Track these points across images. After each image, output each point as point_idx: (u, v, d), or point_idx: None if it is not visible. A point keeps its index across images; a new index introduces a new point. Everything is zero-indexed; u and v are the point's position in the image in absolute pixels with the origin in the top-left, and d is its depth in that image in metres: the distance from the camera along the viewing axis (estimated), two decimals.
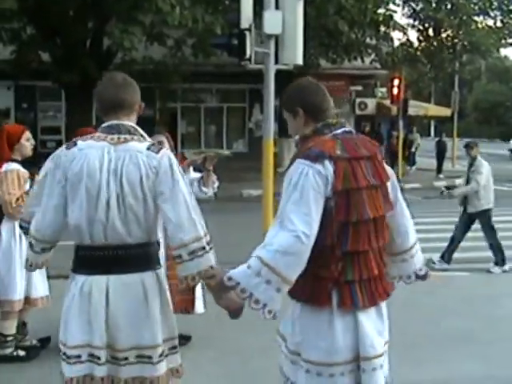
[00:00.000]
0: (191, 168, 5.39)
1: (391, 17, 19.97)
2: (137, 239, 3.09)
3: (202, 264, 3.05)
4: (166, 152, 3.15)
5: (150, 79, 19.89)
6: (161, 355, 3.13)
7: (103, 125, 3.20)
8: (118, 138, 3.11)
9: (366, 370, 2.84)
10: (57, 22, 16.41)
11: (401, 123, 23.73)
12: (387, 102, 26.60)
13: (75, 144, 3.13)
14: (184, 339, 5.73)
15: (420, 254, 3.25)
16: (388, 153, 28.24)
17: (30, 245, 3.25)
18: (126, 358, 3.08)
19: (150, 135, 5.44)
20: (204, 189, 5.37)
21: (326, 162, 2.79)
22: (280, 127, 23.61)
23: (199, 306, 5.55)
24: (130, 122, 3.21)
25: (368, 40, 21.12)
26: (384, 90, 30.98)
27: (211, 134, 26.09)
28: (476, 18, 26.16)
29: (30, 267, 3.35)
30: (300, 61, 8.65)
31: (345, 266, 2.82)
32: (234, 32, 8.67)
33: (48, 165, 3.27)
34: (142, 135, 3.20)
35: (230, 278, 2.74)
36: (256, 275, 2.69)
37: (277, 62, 8.52)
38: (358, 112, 28.22)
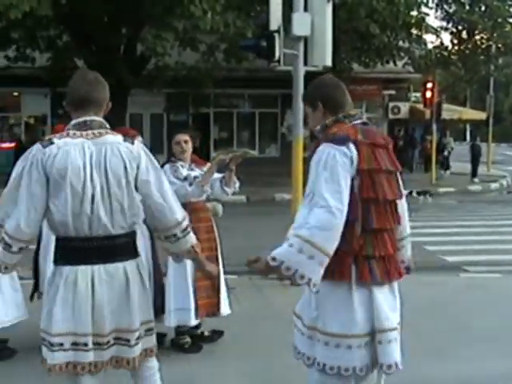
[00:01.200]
0: (215, 168, 5.42)
1: (423, 19, 19.87)
2: (119, 229, 3.25)
3: (192, 238, 3.44)
4: (139, 143, 3.37)
5: (183, 84, 20.13)
6: (137, 338, 3.31)
7: (72, 122, 3.30)
8: (93, 133, 3.24)
9: (383, 341, 3.03)
10: (91, 29, 16.68)
11: (434, 127, 23.54)
12: (421, 106, 26.41)
13: (51, 142, 3.20)
14: (217, 334, 5.82)
15: (409, 248, 3.53)
16: (422, 157, 28.07)
17: (7, 246, 3.21)
18: (108, 342, 3.26)
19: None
20: (226, 188, 5.43)
21: (351, 145, 3.03)
22: (312, 132, 23.63)
23: (225, 308, 5.60)
24: (99, 118, 3.34)
25: (400, 43, 21.03)
26: (418, 94, 30.76)
27: (244, 139, 26.18)
28: (511, 19, 25.84)
29: (6, 269, 3.34)
30: (329, 62, 8.66)
31: (365, 242, 3.03)
32: (263, 34, 8.72)
33: (22, 164, 3.23)
34: (110, 129, 3.35)
35: (273, 259, 2.91)
36: (299, 252, 2.87)
37: (306, 63, 8.53)
38: (391, 116, 28.06)
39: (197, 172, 5.43)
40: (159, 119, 24.66)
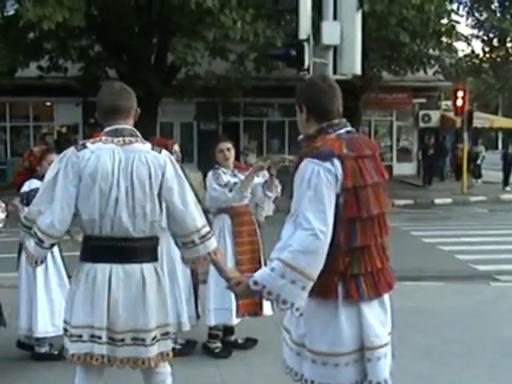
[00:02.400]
0: (254, 174, 5.54)
1: (454, 27, 19.75)
2: (139, 233, 3.42)
3: (212, 244, 3.54)
4: (166, 152, 3.53)
5: (213, 93, 20.25)
6: (153, 339, 3.43)
7: (106, 129, 3.50)
8: (124, 141, 3.43)
9: (371, 359, 2.92)
10: (123, 39, 16.88)
11: (465, 136, 23.34)
12: (451, 115, 26.22)
13: (85, 146, 3.42)
14: (250, 342, 5.87)
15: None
16: (453, 166, 27.82)
17: (40, 241, 3.42)
18: (123, 340, 3.39)
19: (214, 146, 5.68)
20: (268, 193, 5.59)
21: (335, 161, 2.85)
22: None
23: (267, 308, 5.64)
24: (129, 125, 3.52)
25: (431, 51, 20.92)
26: (449, 102, 30.54)
27: (273, 147, 26.24)
28: None
29: (36, 264, 3.56)
30: (358, 71, 8.70)
31: (351, 260, 2.91)
32: (293, 43, 8.78)
33: (57, 165, 3.44)
34: (139, 137, 3.52)
35: (255, 283, 2.84)
36: (281, 277, 2.78)
37: (335, 72, 8.57)
38: (421, 125, 27.88)
39: (239, 178, 5.60)
40: (189, 128, 24.83)
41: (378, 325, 2.98)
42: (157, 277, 3.51)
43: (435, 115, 28.10)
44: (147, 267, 3.47)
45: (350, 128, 3.06)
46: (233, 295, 5.28)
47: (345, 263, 2.89)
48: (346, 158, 2.87)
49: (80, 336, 3.39)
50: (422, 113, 27.82)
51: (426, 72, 21.65)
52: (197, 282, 5.65)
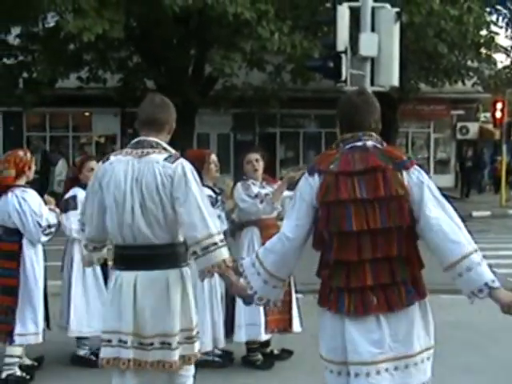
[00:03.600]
0: (285, 186, 5.49)
1: (493, 39, 19.54)
2: (162, 240, 3.53)
3: (216, 257, 3.49)
4: (182, 161, 3.55)
5: (250, 104, 20.31)
6: (179, 343, 3.55)
7: (132, 141, 3.65)
8: (142, 152, 3.55)
9: (351, 373, 2.98)
10: (161, 51, 17.04)
11: (504, 148, 23.04)
12: (490, 127, 25.93)
13: (108, 159, 3.63)
14: (286, 353, 5.85)
15: (476, 273, 3.00)
16: (491, 178, 27.47)
17: (85, 245, 3.91)
18: (152, 344, 3.52)
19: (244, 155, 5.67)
20: None
21: (316, 176, 3.05)
22: None
23: (296, 325, 5.65)
24: (158, 138, 3.61)
25: (469, 63, 20.73)
26: (487, 114, 30.20)
27: (310, 159, 26.17)
28: None
29: (87, 264, 4.09)
30: (396, 82, 8.67)
31: (332, 272, 3.03)
32: (330, 54, 8.79)
33: (92, 180, 3.76)
34: (164, 148, 3.60)
35: (241, 265, 3.29)
36: (252, 266, 3.20)
37: (373, 84, 8.55)
38: (459, 137, 27.60)
39: (268, 190, 5.52)
40: (226, 139, 24.92)
41: (363, 342, 2.95)
42: (182, 281, 3.60)
43: (473, 127, 27.80)
44: (172, 273, 3.56)
45: (360, 143, 3.07)
46: (262, 311, 5.34)
47: (325, 275, 3.08)
48: (326, 174, 3.01)
49: (109, 341, 3.55)
50: (460, 125, 27.54)
51: (464, 83, 21.46)
52: (232, 297, 5.57)
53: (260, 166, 5.62)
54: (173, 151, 3.62)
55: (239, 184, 5.53)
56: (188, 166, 3.55)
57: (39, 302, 5.21)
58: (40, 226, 5.09)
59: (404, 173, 2.98)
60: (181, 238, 3.61)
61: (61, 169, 20.37)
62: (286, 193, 5.50)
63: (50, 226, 5.16)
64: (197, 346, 3.68)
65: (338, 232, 2.97)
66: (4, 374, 5.12)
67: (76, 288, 5.45)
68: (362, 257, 2.96)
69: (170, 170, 3.48)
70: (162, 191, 3.46)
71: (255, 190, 5.47)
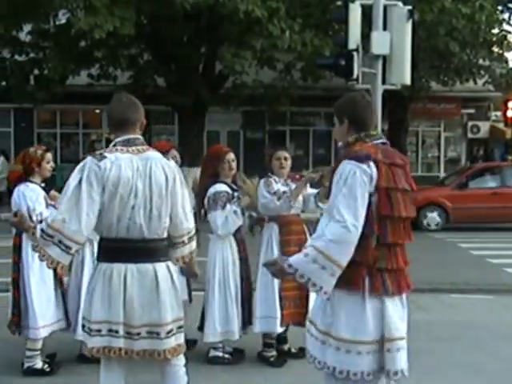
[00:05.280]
0: (308, 184, 5.58)
1: (505, 37, 19.44)
2: (154, 235, 3.68)
3: (194, 245, 3.95)
4: (172, 160, 3.89)
5: (260, 102, 20.30)
6: (168, 332, 3.68)
7: (118, 139, 3.73)
8: (138, 149, 3.70)
9: (392, 349, 3.19)
10: (172, 48, 17.05)
11: None
12: (501, 126, 25.82)
13: (104, 156, 3.63)
14: (303, 351, 5.84)
15: None
16: None
17: (68, 248, 3.57)
18: (139, 334, 3.64)
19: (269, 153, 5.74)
20: (320, 204, 5.58)
21: (371, 163, 3.20)
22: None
23: None
24: (139, 136, 3.79)
25: (481, 61, 20.62)
26: (499, 113, 30.06)
27: (319, 157, 26.16)
28: None
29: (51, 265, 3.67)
30: (408, 81, 8.64)
31: (379, 255, 3.21)
32: (341, 52, 8.76)
33: (79, 175, 3.59)
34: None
35: (290, 266, 3.17)
36: (313, 262, 3.12)
37: (384, 82, 8.52)
38: (470, 135, 27.48)
39: (290, 187, 5.64)
40: (236, 136, 24.92)
41: (397, 319, 3.23)
42: (169, 274, 3.76)
43: (484, 126, 27.67)
44: (160, 266, 3.71)
45: (384, 140, 3.41)
46: (278, 304, 5.39)
47: (374, 256, 3.19)
48: (380, 162, 3.22)
49: (99, 330, 3.64)
50: (470, 123, 27.43)
51: (475, 82, 21.35)
52: (249, 290, 5.68)
53: (288, 164, 5.75)
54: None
55: (262, 180, 5.67)
56: (175, 165, 3.87)
57: (38, 296, 5.22)
58: (32, 220, 5.09)
59: None
60: (165, 233, 3.80)
61: (1, 167, 20.48)
62: (310, 190, 5.67)
63: (42, 222, 5.12)
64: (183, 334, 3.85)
65: (396, 216, 3.23)
66: (25, 366, 5.30)
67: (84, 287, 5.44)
68: (405, 241, 3.32)
69: (172, 167, 3.76)
70: (168, 185, 3.69)
71: (276, 187, 5.59)
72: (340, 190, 3.18)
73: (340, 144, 3.48)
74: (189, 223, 3.87)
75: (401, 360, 3.23)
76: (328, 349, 3.27)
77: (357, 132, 3.36)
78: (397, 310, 3.25)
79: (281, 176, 5.72)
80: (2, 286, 7.08)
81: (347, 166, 3.21)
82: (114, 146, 3.72)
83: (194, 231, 3.94)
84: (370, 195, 3.18)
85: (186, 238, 3.89)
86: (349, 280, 3.18)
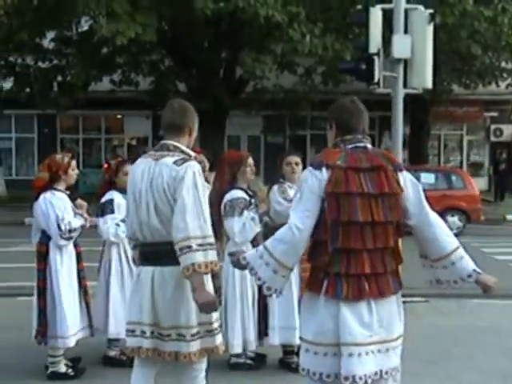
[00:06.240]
0: None
1: None
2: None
3: (184, 261, 3.51)
4: (188, 164, 3.67)
5: (280, 107, 20.33)
6: (193, 335, 3.70)
7: (157, 145, 3.89)
8: (160, 155, 3.77)
9: (343, 354, 3.21)
10: (192, 53, 17.13)
11: None
12: None
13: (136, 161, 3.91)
14: None
15: (466, 262, 3.44)
16: None
17: (129, 243, 4.18)
18: (169, 335, 3.71)
19: (281, 157, 5.69)
20: None
21: (323, 169, 3.27)
22: (410, 154, 23.24)
23: None
24: (178, 141, 3.80)
25: (503, 64, 20.48)
26: None
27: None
28: None
29: (133, 261, 4.17)
30: (429, 85, 8.57)
31: (333, 259, 3.25)
32: (362, 56, 8.72)
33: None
34: (182, 151, 3.78)
35: (244, 258, 3.41)
36: (260, 257, 3.33)
37: (405, 86, 8.47)
38: (492, 139, 27.28)
39: None
40: (256, 141, 24.96)
41: (355, 325, 3.23)
42: None
43: (507, 129, 27.44)
44: None
45: (362, 144, 3.40)
46: (297, 313, 5.31)
47: (325, 261, 3.25)
48: (335, 168, 3.27)
49: (133, 331, 3.79)
50: (493, 127, 27.23)
51: (498, 85, 21.22)
52: (265, 300, 5.53)
53: (299, 169, 5.59)
54: (192, 153, 3.81)
55: (276, 187, 5.54)
56: (192, 169, 3.64)
57: (68, 305, 5.20)
58: (60, 229, 5.14)
59: (399, 174, 3.37)
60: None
61: None
62: None
63: (71, 231, 5.17)
64: (218, 338, 3.83)
65: (346, 221, 3.23)
66: (49, 370, 5.32)
67: (114, 290, 5.48)
68: (366, 246, 3.26)
69: (175, 173, 3.64)
70: (169, 192, 3.65)
71: (291, 193, 5.43)
72: (296, 195, 3.40)
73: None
74: (176, 232, 3.54)
75: (355, 367, 3.19)
76: (301, 350, 3.43)
77: (342, 136, 3.42)
78: (358, 316, 3.24)
79: (293, 181, 5.56)
80: (21, 290, 7.08)
81: (304, 172, 3.39)
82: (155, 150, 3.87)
83: (182, 244, 3.53)
84: (323, 200, 3.25)
85: (176, 249, 3.53)
86: (310, 283, 3.37)
